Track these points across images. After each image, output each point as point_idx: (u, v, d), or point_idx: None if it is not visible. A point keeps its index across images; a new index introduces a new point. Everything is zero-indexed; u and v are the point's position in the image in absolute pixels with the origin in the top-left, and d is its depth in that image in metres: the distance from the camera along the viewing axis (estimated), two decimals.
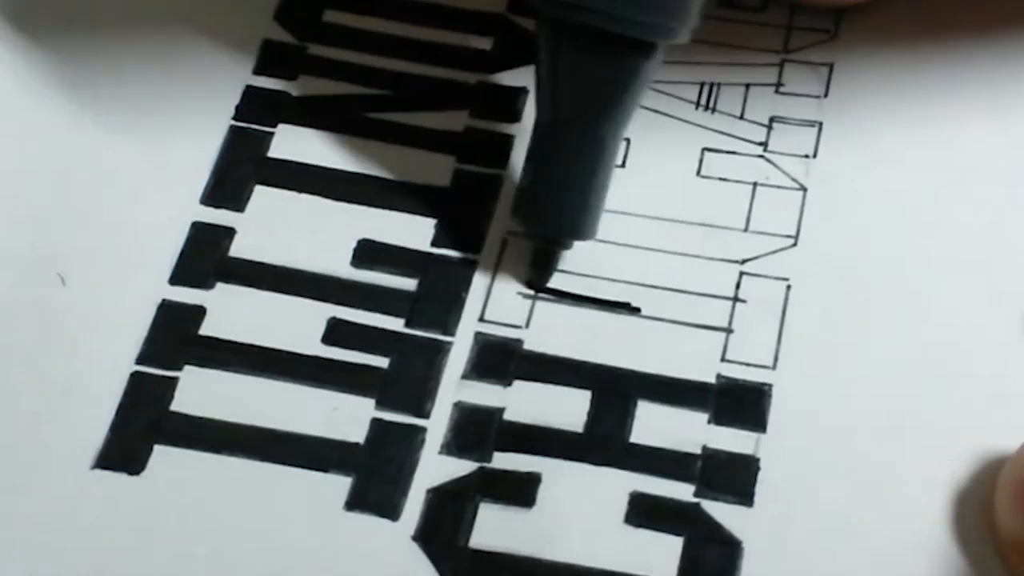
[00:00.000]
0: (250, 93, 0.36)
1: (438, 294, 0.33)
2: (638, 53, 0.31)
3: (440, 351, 0.32)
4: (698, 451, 0.31)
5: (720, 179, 0.35)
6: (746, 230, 0.34)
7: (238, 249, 0.34)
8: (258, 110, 0.36)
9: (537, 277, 0.33)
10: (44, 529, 0.30)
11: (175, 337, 0.33)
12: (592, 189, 0.32)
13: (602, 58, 0.31)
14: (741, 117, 0.35)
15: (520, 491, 0.31)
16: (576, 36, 0.31)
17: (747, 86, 0.36)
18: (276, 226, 0.34)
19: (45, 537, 0.30)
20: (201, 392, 0.32)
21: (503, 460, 0.31)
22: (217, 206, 0.34)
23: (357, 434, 0.31)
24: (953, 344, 0.32)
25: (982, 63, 0.36)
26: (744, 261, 0.34)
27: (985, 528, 0.30)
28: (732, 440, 0.31)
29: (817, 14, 0.37)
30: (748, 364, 0.32)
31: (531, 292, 0.33)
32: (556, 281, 0.33)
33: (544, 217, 0.33)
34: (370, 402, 0.32)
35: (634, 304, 0.33)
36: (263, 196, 0.35)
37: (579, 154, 0.32)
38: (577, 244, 0.33)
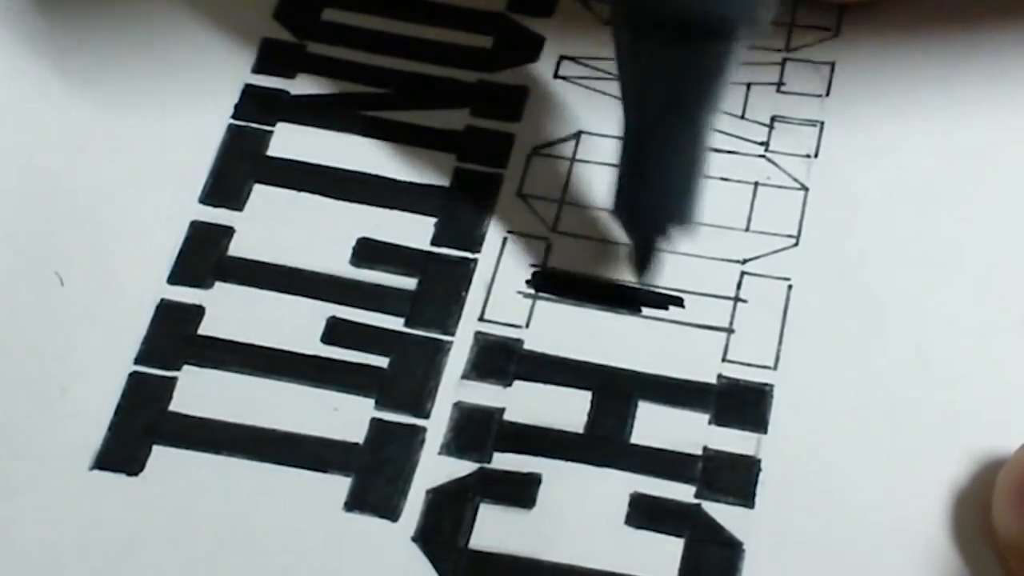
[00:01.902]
0: (249, 92, 0.36)
1: (438, 293, 0.33)
2: (724, 43, 0.30)
3: (440, 351, 0.32)
4: (699, 452, 0.31)
5: (721, 179, 0.35)
6: (747, 230, 0.34)
7: (237, 248, 0.34)
8: (257, 109, 0.36)
9: (642, 272, 0.33)
10: (43, 530, 0.30)
11: (174, 337, 0.32)
12: (693, 180, 0.31)
13: (690, 54, 0.30)
14: (742, 116, 0.35)
15: (520, 492, 0.31)
16: (661, 34, 0.30)
17: (748, 85, 0.36)
18: (275, 225, 0.34)
19: (44, 537, 0.30)
20: (200, 392, 0.32)
21: (503, 460, 0.31)
22: (216, 205, 0.34)
23: (357, 434, 0.31)
24: (954, 345, 0.32)
25: (984, 62, 0.36)
26: (745, 261, 0.33)
27: (984, 529, 0.30)
28: (733, 441, 0.31)
29: (819, 12, 0.37)
30: (749, 364, 0.32)
31: (531, 292, 0.33)
32: (557, 281, 0.33)
33: (650, 215, 0.32)
34: (370, 402, 0.32)
35: (635, 304, 0.33)
36: (262, 195, 0.34)
37: (678, 150, 0.31)
38: (578, 243, 0.33)
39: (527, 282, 0.33)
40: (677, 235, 0.32)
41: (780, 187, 0.34)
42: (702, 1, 0.30)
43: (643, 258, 0.33)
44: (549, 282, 0.33)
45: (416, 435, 0.31)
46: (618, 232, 0.33)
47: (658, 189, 0.32)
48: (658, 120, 0.31)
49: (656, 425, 0.31)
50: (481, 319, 0.33)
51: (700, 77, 0.30)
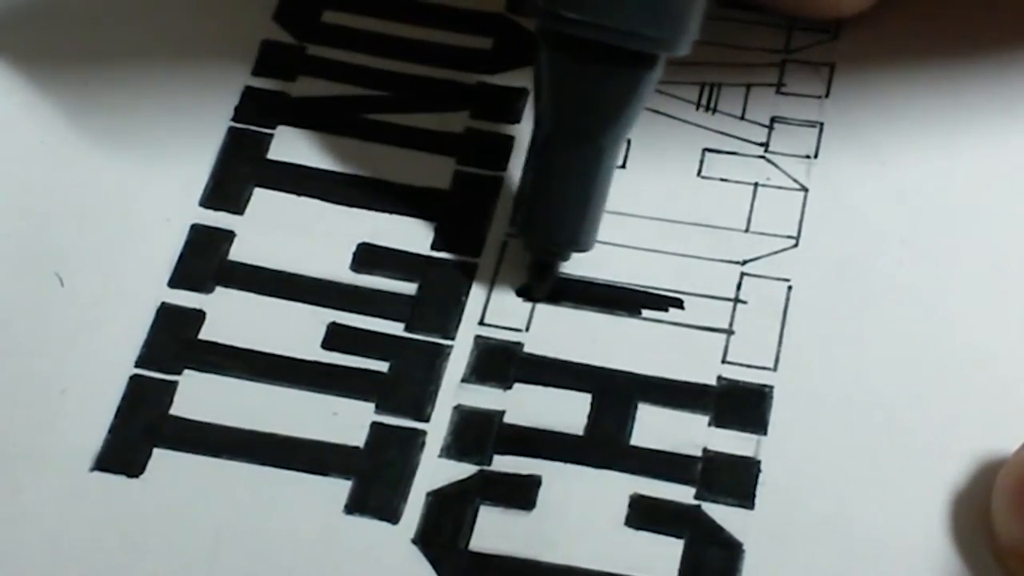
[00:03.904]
0: (249, 94, 0.36)
1: (438, 298, 0.33)
2: (639, 66, 0.31)
3: (440, 355, 0.32)
4: (699, 453, 0.31)
5: (721, 180, 0.35)
6: (747, 231, 0.34)
7: (237, 252, 0.34)
8: (257, 111, 0.36)
9: (536, 288, 0.33)
10: (43, 531, 0.30)
11: (174, 341, 0.33)
12: (591, 200, 0.32)
13: (603, 71, 0.31)
14: (742, 117, 0.35)
15: (520, 494, 0.31)
16: (578, 50, 0.30)
17: (748, 86, 0.36)
18: (275, 229, 0.34)
19: (44, 539, 0.30)
20: (200, 396, 0.32)
21: (503, 463, 0.31)
22: (216, 209, 0.34)
23: (357, 438, 0.31)
24: (953, 345, 0.32)
25: (983, 62, 0.36)
26: (745, 262, 0.33)
27: (984, 531, 0.30)
28: (733, 442, 0.31)
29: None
30: (749, 366, 0.32)
31: (531, 295, 0.33)
32: (556, 283, 0.33)
33: (543, 228, 0.32)
34: (370, 406, 0.32)
35: (634, 306, 0.33)
36: (262, 199, 0.35)
37: (578, 166, 0.32)
38: None
39: (523, 292, 0.33)
40: (569, 255, 0.33)
41: (780, 188, 0.35)
42: (628, 23, 0.30)
43: (539, 277, 0.33)
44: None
45: (416, 438, 0.31)
46: (619, 234, 0.33)
47: (555, 208, 0.32)
48: (564, 135, 0.32)
49: (656, 427, 0.31)
50: (481, 323, 0.33)
51: (615, 100, 0.31)
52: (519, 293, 0.33)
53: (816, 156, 0.35)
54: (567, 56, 0.31)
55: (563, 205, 0.32)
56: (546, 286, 0.33)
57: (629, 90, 0.31)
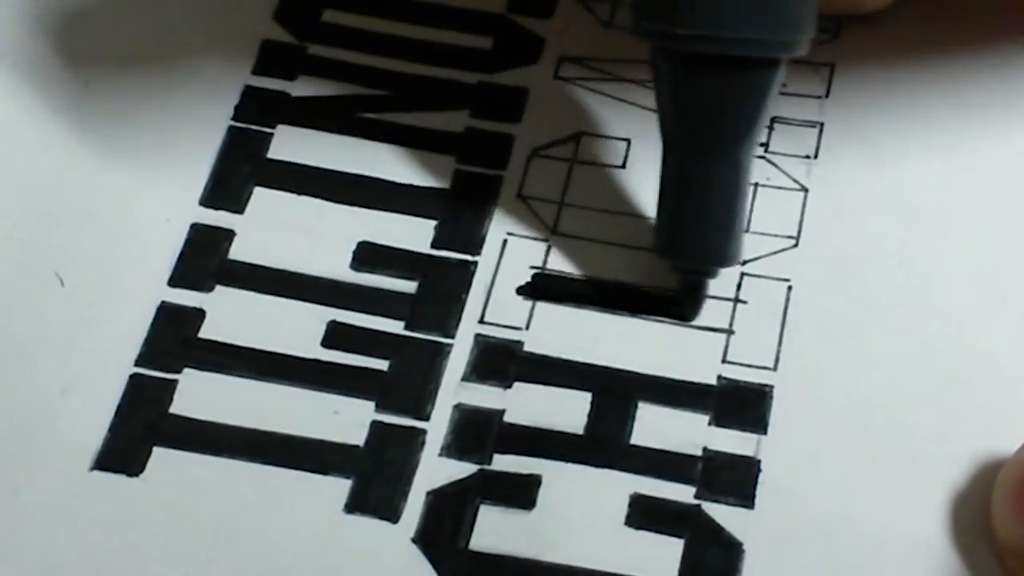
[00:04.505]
0: (249, 93, 0.36)
1: (438, 296, 0.33)
2: (763, 72, 0.30)
3: (440, 353, 0.32)
4: (699, 453, 0.31)
5: None
6: (747, 231, 0.34)
7: (237, 251, 0.34)
8: (257, 110, 0.36)
9: (687, 309, 0.33)
10: (43, 530, 0.30)
11: (174, 340, 0.33)
12: (736, 215, 0.31)
13: (728, 83, 0.30)
14: None
15: (520, 493, 0.31)
16: (699, 65, 0.30)
17: None
18: (275, 228, 0.34)
19: (44, 538, 0.30)
20: (201, 395, 0.32)
21: (503, 462, 0.31)
22: (216, 208, 0.34)
23: (357, 437, 0.31)
24: (953, 345, 0.32)
25: (983, 63, 0.36)
26: (745, 262, 0.33)
27: (984, 531, 0.30)
28: (733, 442, 0.31)
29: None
30: (749, 365, 0.32)
31: (531, 294, 0.33)
32: (557, 283, 0.33)
33: (691, 249, 0.32)
34: (370, 405, 0.32)
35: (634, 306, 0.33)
36: (262, 198, 0.35)
37: (719, 183, 0.31)
38: (577, 244, 0.34)
39: (517, 290, 0.33)
40: (718, 272, 0.32)
41: (780, 188, 0.35)
42: (752, 31, 0.29)
43: (690, 298, 0.33)
44: (543, 289, 0.33)
45: (416, 437, 0.31)
46: (619, 234, 0.33)
47: (701, 228, 0.31)
48: (698, 153, 0.31)
49: (656, 426, 0.31)
50: (481, 321, 0.33)
51: (745, 110, 0.30)
52: (519, 292, 0.33)
53: (816, 156, 0.35)
54: (689, 73, 0.30)
55: (708, 224, 0.31)
56: (698, 306, 0.32)
57: (757, 99, 0.30)
